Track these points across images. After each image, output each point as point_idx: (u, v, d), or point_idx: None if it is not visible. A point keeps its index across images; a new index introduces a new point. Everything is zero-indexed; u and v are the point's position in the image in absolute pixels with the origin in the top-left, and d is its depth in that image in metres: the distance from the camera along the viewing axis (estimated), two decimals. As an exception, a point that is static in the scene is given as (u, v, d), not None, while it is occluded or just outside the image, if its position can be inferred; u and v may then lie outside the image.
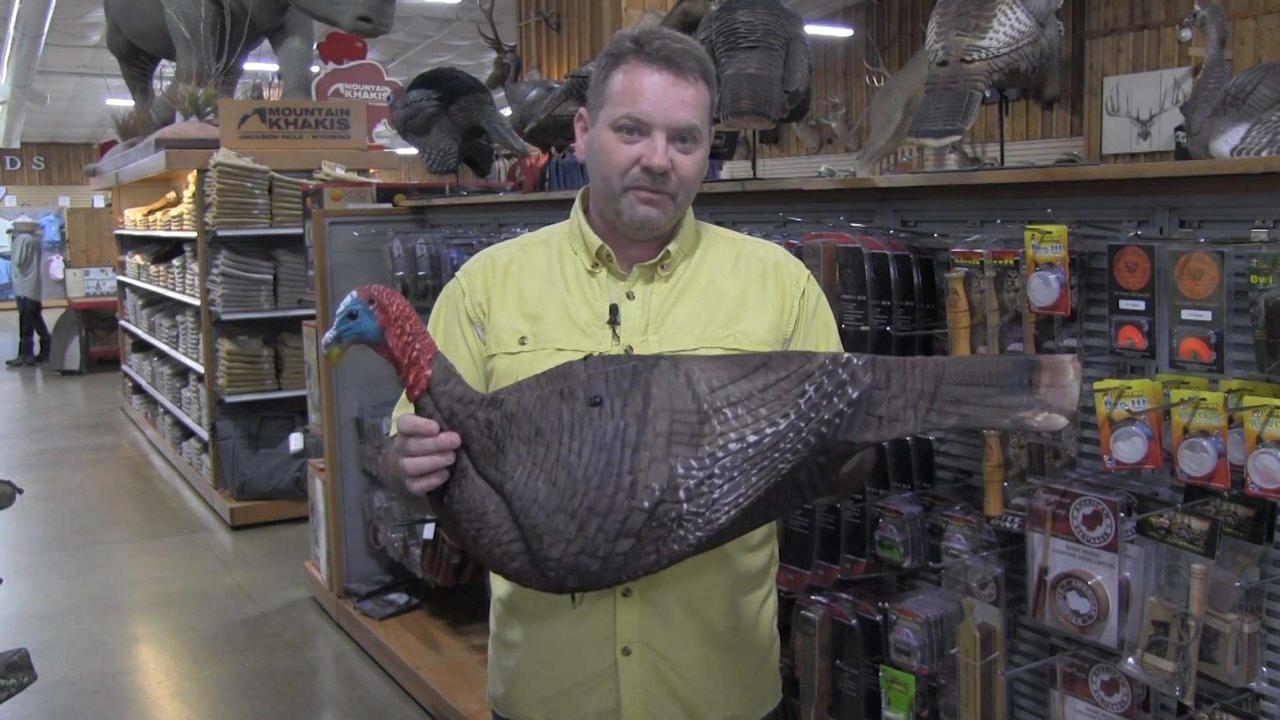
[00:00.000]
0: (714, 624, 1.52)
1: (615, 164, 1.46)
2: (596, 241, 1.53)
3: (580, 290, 1.53)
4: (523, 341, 1.51)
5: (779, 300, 1.55)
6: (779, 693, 1.67)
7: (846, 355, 1.27)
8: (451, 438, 1.27)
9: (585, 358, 1.32)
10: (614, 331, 1.50)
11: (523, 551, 1.25)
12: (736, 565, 1.54)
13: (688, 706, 1.52)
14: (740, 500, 1.22)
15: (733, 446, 1.23)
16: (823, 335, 1.59)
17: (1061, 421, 1.17)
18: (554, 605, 1.49)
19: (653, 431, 1.24)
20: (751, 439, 1.23)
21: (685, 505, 1.22)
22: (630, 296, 1.52)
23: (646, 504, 1.22)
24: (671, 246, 1.53)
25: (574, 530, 1.23)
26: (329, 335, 1.28)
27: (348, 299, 1.28)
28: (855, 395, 1.22)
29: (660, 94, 1.44)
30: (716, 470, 1.23)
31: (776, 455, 1.22)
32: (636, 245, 1.54)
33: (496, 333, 1.54)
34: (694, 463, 1.23)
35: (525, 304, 1.54)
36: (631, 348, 1.49)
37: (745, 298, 1.54)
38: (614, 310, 1.51)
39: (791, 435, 1.23)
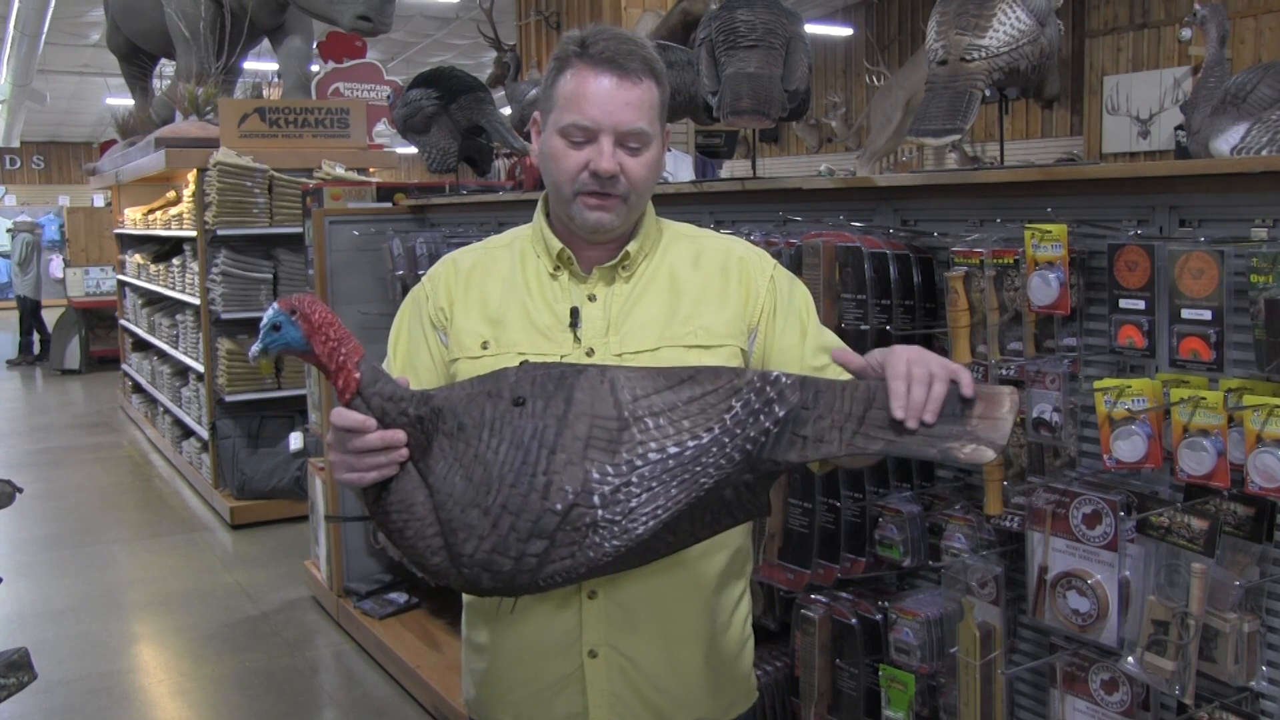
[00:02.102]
0: (681, 626, 1.51)
1: (564, 170, 1.46)
2: (557, 244, 1.53)
3: (542, 294, 1.53)
4: (485, 346, 1.51)
5: (743, 294, 1.54)
6: (752, 694, 1.65)
7: (776, 373, 1.27)
8: (396, 435, 1.28)
9: (521, 364, 1.34)
10: (575, 334, 1.49)
11: (444, 547, 1.26)
12: (702, 567, 1.52)
13: (655, 709, 1.51)
14: (659, 512, 1.21)
15: (652, 456, 1.23)
16: (804, 312, 1.58)
17: (989, 455, 1.16)
18: (520, 608, 1.49)
19: (571, 435, 1.24)
20: (672, 450, 1.23)
21: (600, 511, 1.21)
22: (591, 299, 1.52)
23: (559, 506, 1.21)
24: (631, 247, 1.53)
25: (487, 527, 1.23)
26: (255, 347, 1.29)
27: (269, 311, 1.28)
28: (782, 414, 1.22)
29: (605, 98, 1.43)
30: (634, 479, 1.22)
31: (698, 469, 1.22)
32: (596, 247, 1.53)
33: (459, 337, 1.54)
34: (610, 469, 1.22)
35: (488, 308, 1.54)
36: (593, 350, 1.48)
37: (705, 293, 1.53)
38: (574, 313, 1.50)
39: (715, 450, 1.22)
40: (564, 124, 1.45)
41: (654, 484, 1.22)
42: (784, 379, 1.25)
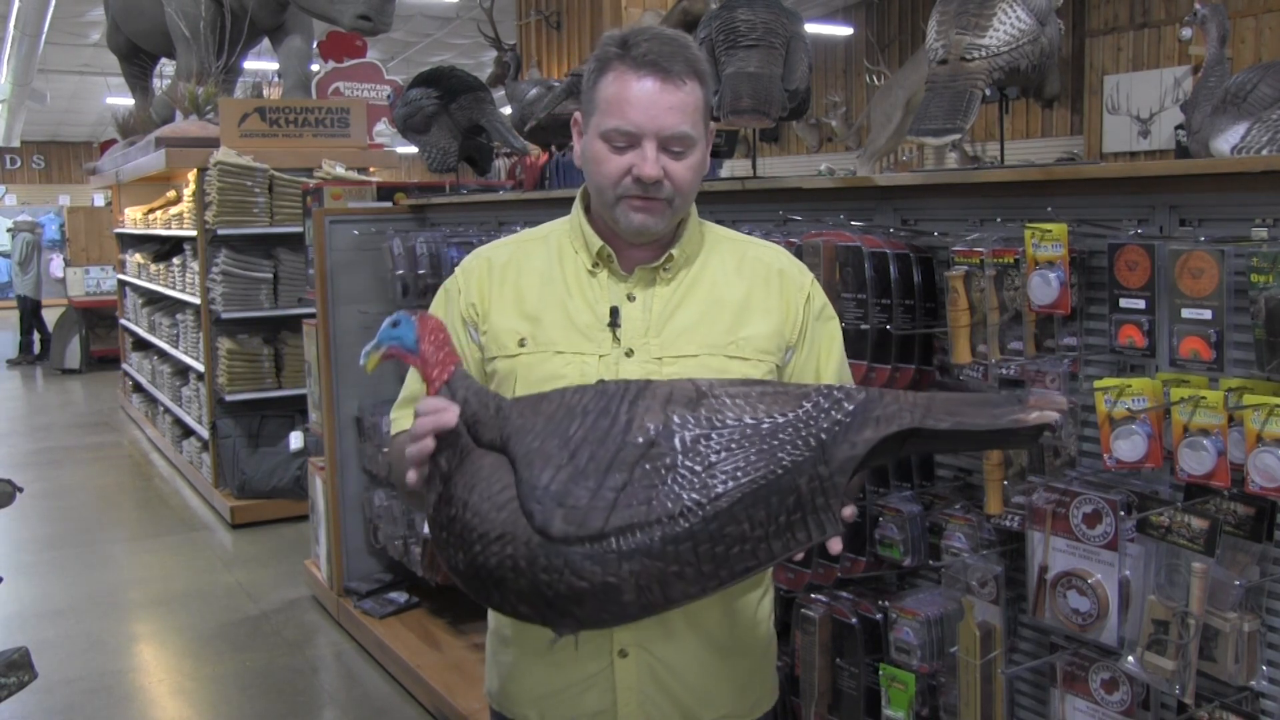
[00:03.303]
0: (711, 627, 1.52)
1: (607, 174, 1.45)
2: (598, 242, 1.52)
3: (581, 292, 1.52)
4: (522, 343, 1.51)
5: (782, 307, 1.54)
6: (775, 692, 1.67)
7: (841, 384, 1.31)
8: (451, 412, 1.25)
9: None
10: (614, 334, 1.49)
11: (512, 499, 1.23)
12: None
13: (683, 707, 1.52)
14: (739, 474, 1.21)
15: (730, 421, 1.24)
16: (825, 342, 1.59)
17: (1055, 416, 1.19)
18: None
19: (651, 393, 1.27)
20: (749, 420, 1.24)
21: (680, 457, 1.22)
22: (631, 298, 1.51)
23: (640, 440, 1.22)
24: (674, 250, 1.52)
25: (565, 457, 1.23)
26: (369, 345, 1.33)
27: (392, 316, 1.36)
28: (851, 408, 1.25)
29: (648, 102, 1.42)
30: (714, 435, 1.23)
31: (775, 444, 1.22)
32: (638, 247, 1.52)
33: (496, 334, 1.53)
34: (691, 419, 1.24)
35: (524, 304, 1.53)
36: (632, 351, 1.48)
37: (749, 303, 1.53)
38: (614, 313, 1.49)
39: (790, 431, 1.23)
40: (606, 128, 1.44)
41: (733, 445, 1.23)
42: (849, 387, 1.30)
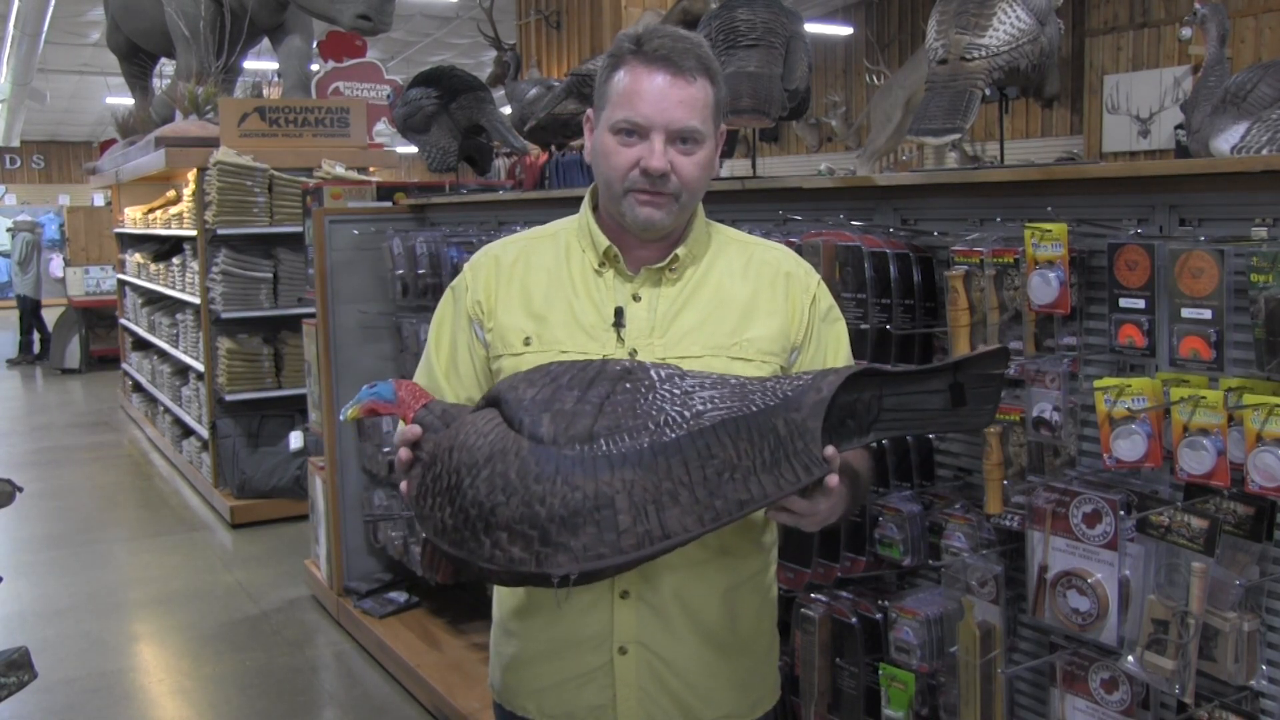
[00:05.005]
0: (711, 625, 1.52)
1: (615, 167, 1.46)
2: (604, 241, 1.53)
3: (587, 292, 1.53)
4: (527, 342, 1.52)
5: (788, 309, 1.55)
6: (777, 692, 1.67)
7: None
8: (414, 427, 1.36)
9: None
10: (619, 334, 1.49)
11: (499, 425, 1.28)
12: (734, 567, 1.54)
13: (683, 704, 1.52)
14: (715, 399, 1.28)
15: (701, 377, 1.34)
16: (831, 343, 1.59)
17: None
18: (553, 606, 1.50)
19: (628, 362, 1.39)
20: (717, 379, 1.34)
21: (659, 384, 1.30)
22: (636, 299, 1.51)
23: (618, 368, 1.32)
24: (680, 250, 1.52)
25: (548, 381, 1.31)
26: (349, 403, 1.42)
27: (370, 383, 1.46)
28: (811, 375, 1.33)
29: (658, 95, 1.43)
30: (689, 379, 1.32)
31: (746, 392, 1.30)
32: (645, 247, 1.53)
33: (502, 332, 1.54)
34: (664, 369, 1.34)
35: (531, 302, 1.54)
36: (636, 351, 1.48)
37: (754, 304, 1.53)
38: (619, 313, 1.50)
39: (757, 385, 1.32)
40: (615, 120, 1.45)
41: (706, 384, 1.31)
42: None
